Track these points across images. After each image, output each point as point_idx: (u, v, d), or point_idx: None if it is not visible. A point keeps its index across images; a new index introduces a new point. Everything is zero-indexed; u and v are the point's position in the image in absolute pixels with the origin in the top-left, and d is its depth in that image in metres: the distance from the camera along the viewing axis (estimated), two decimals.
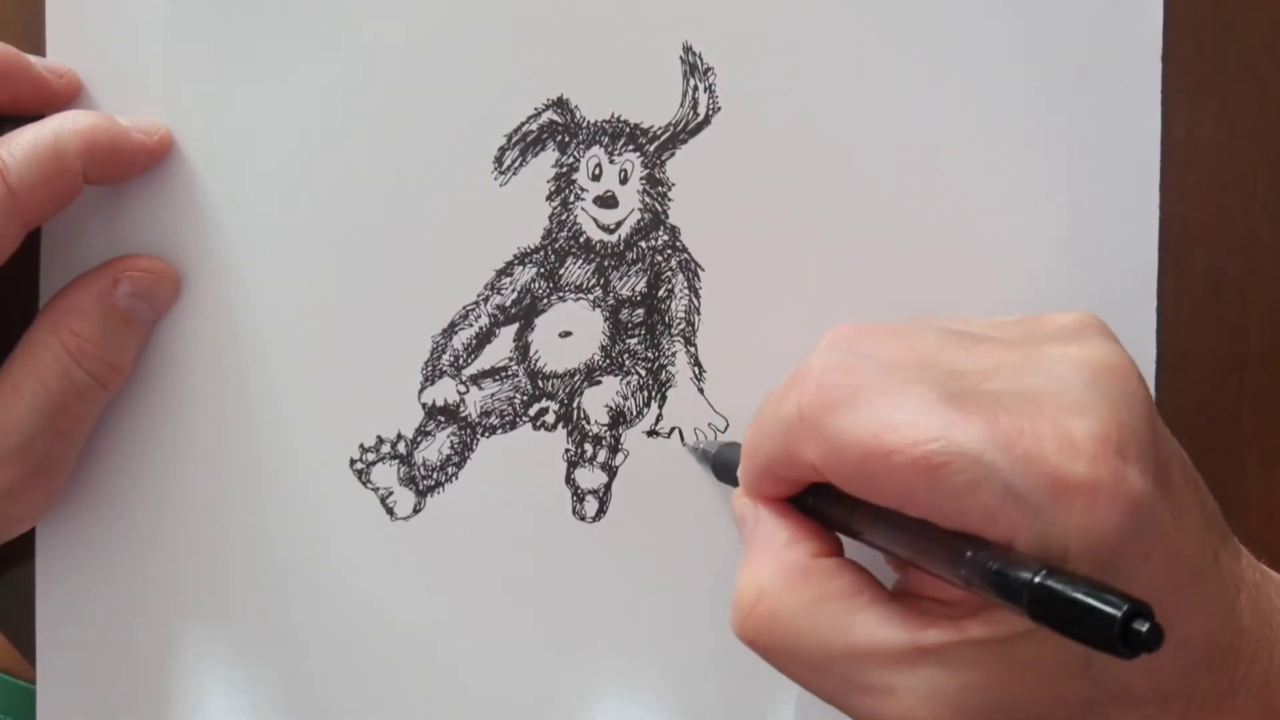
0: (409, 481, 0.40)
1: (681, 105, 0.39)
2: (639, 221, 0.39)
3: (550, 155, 0.39)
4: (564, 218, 0.39)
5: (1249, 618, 0.30)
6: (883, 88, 0.38)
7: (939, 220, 0.38)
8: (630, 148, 0.39)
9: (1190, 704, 0.30)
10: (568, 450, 0.40)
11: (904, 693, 0.28)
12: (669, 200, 0.39)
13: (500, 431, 0.40)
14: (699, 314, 0.39)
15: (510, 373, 0.40)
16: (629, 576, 0.40)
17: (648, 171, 0.39)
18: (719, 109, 0.39)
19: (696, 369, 0.39)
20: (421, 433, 0.40)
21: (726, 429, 0.39)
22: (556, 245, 0.39)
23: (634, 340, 0.39)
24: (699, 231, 0.39)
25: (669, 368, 0.39)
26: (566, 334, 0.40)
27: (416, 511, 0.40)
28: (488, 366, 0.40)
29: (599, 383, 0.40)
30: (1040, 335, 0.31)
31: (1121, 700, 0.29)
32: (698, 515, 0.39)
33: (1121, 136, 0.38)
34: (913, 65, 0.38)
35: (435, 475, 0.40)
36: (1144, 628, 0.23)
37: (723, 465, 0.37)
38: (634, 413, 0.39)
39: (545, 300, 0.39)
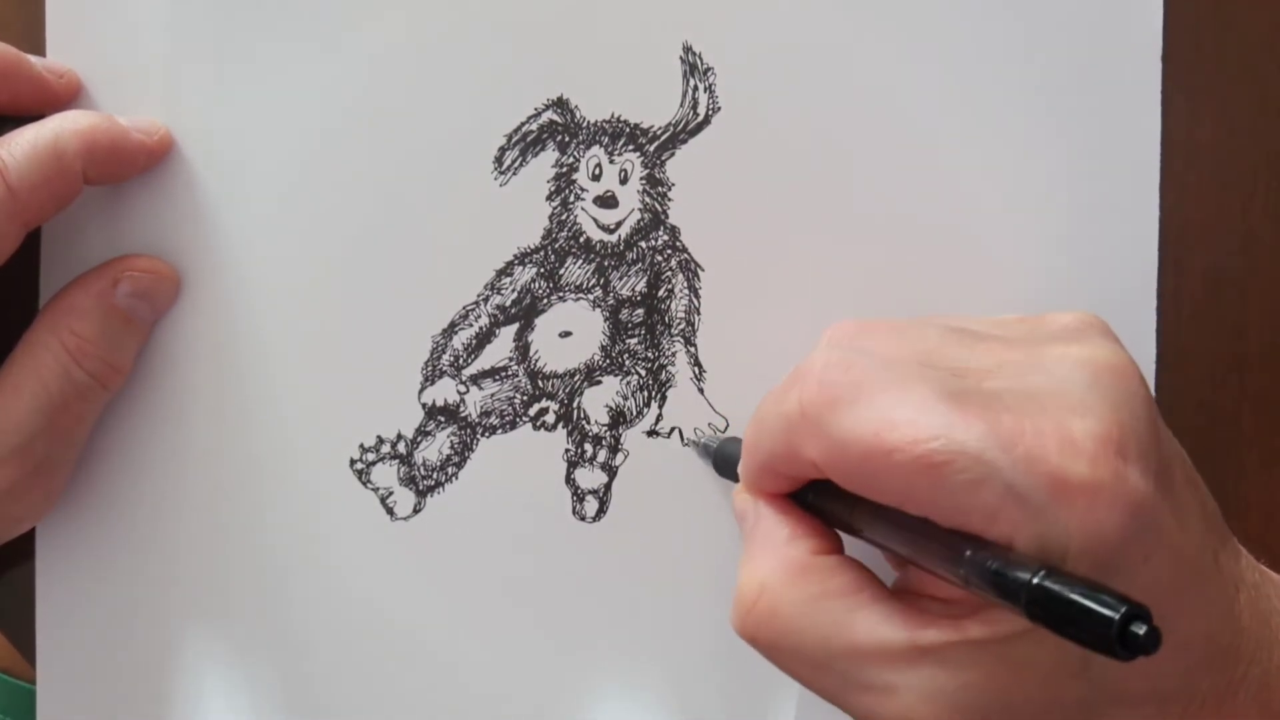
0: (409, 481, 0.40)
1: (681, 105, 0.39)
2: (639, 221, 0.39)
3: (550, 155, 0.39)
4: (564, 218, 0.39)
5: (1248, 618, 0.30)
6: (883, 88, 0.38)
7: (939, 220, 0.38)
8: (630, 148, 0.39)
9: (1189, 705, 0.30)
10: (568, 450, 0.40)
11: (903, 691, 0.28)
12: (669, 200, 0.39)
13: (500, 431, 0.40)
14: (699, 314, 0.39)
15: (510, 373, 0.40)
16: (629, 576, 0.40)
17: (648, 171, 0.39)
18: (719, 109, 0.39)
19: (696, 369, 0.39)
20: (421, 433, 0.40)
21: (726, 429, 0.39)
22: (556, 245, 0.39)
23: (634, 340, 0.39)
24: (699, 231, 0.39)
25: (669, 368, 0.39)
26: (566, 334, 0.40)
27: (416, 511, 0.40)
28: (488, 366, 0.40)
29: (599, 383, 0.40)
30: (1042, 335, 0.31)
31: (1120, 701, 0.29)
32: (698, 515, 0.39)
33: (1121, 136, 0.38)
34: (913, 65, 0.38)
35: (435, 475, 0.40)
36: (1142, 630, 0.23)
37: (723, 460, 0.37)
38: (634, 413, 0.39)
39: (545, 300, 0.39)
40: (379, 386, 0.40)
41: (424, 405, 0.40)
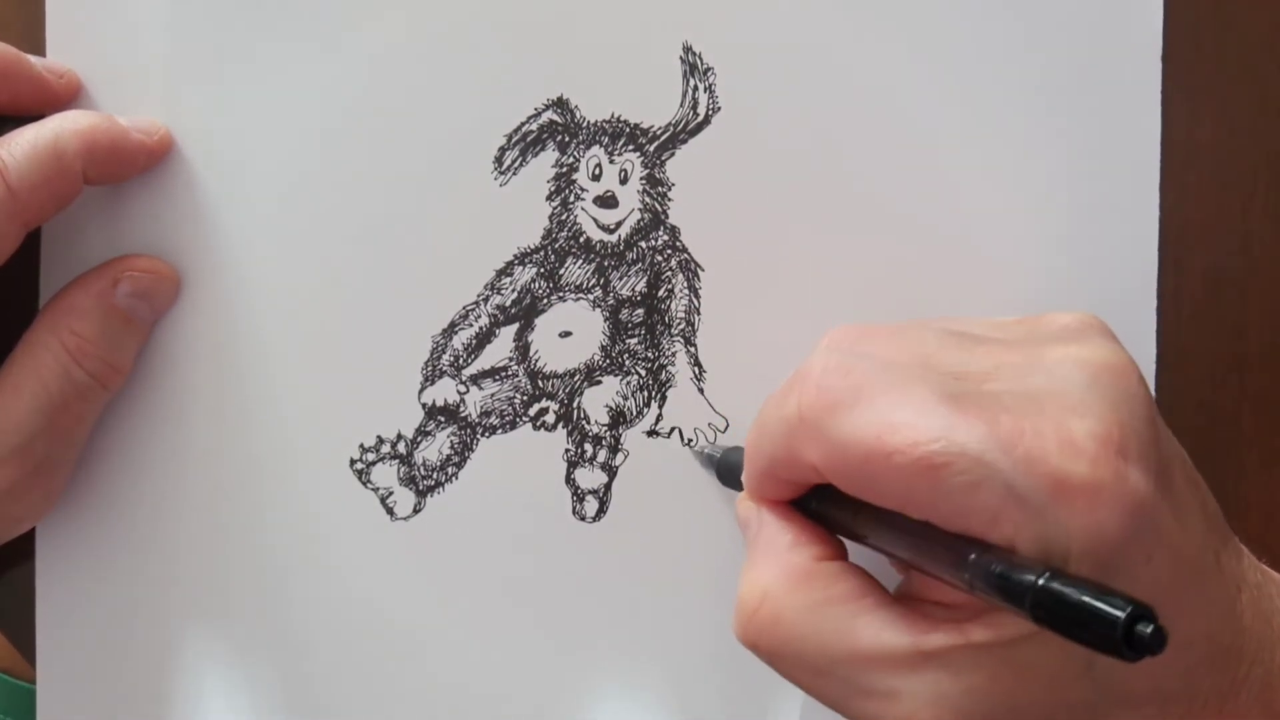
0: (409, 481, 0.40)
1: (681, 105, 0.39)
2: (639, 221, 0.39)
3: (550, 155, 0.39)
4: (564, 218, 0.39)
5: (1250, 618, 0.30)
6: (883, 88, 0.38)
7: (939, 220, 0.38)
8: (630, 148, 0.39)
9: (1192, 704, 0.30)
10: (568, 450, 0.40)
11: (907, 697, 0.28)
12: (669, 200, 0.39)
13: (500, 431, 0.40)
14: (699, 314, 0.39)
15: (510, 373, 0.40)
16: (629, 576, 0.40)
17: (648, 171, 0.39)
18: (719, 109, 0.39)
19: (696, 369, 0.39)
20: (421, 433, 0.40)
21: (726, 429, 0.39)
22: (556, 245, 0.39)
23: (634, 340, 0.39)
24: (699, 231, 0.39)
25: (669, 368, 0.39)
26: (566, 334, 0.40)
27: (416, 511, 0.40)
28: (488, 366, 0.40)
29: (599, 383, 0.40)
30: (1041, 336, 0.31)
31: (1123, 701, 0.29)
32: (698, 515, 0.39)
33: (1121, 136, 0.38)
34: (912, 65, 0.38)
35: (435, 475, 0.40)
36: (1148, 630, 0.23)
37: (727, 470, 0.37)
38: (634, 413, 0.39)
39: (545, 300, 0.39)
40: (379, 386, 0.40)
41: (424, 405, 0.40)
